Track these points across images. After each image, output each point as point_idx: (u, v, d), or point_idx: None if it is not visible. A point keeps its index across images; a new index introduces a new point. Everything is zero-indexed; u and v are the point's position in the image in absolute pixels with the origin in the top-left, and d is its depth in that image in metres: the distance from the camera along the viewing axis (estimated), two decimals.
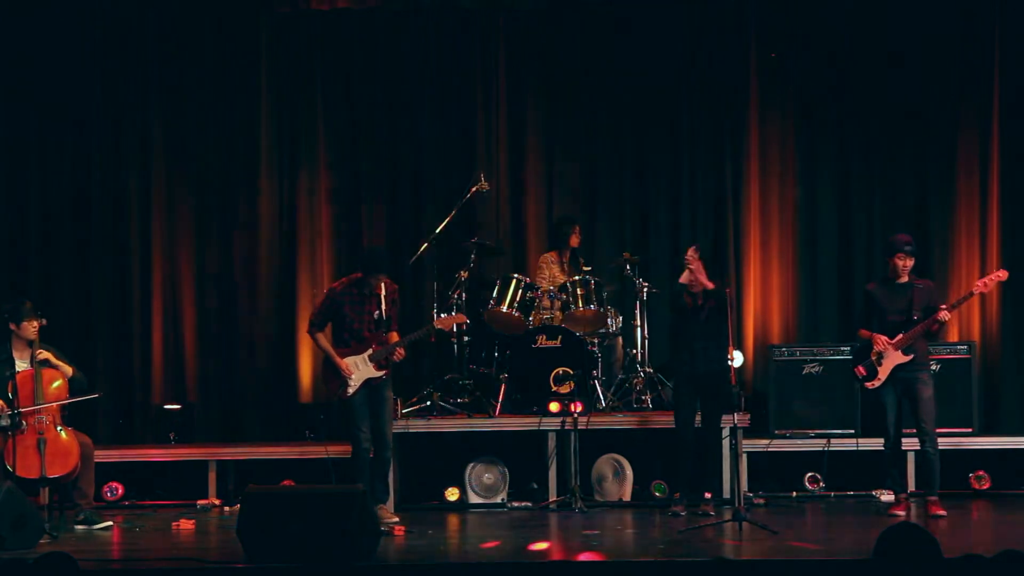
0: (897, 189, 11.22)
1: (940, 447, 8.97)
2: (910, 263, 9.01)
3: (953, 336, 10.67)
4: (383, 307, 8.97)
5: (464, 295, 10.35)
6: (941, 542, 5.20)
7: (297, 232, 11.34)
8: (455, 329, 10.23)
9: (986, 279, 9.11)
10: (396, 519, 8.90)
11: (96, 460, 9.24)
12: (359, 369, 8.95)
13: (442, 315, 9.82)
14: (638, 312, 10.49)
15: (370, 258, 9.12)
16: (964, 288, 10.67)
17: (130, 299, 11.24)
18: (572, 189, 11.44)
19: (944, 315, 8.85)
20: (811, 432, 10.24)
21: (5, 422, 8.62)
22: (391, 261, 11.02)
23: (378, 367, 8.98)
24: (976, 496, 9.98)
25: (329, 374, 9.06)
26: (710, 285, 8.96)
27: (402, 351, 9.04)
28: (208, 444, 10.78)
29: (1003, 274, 9.08)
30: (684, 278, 9.05)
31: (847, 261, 11.21)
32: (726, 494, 9.54)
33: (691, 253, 9.06)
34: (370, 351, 8.96)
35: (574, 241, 10.74)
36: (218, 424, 11.24)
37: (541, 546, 7.84)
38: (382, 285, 9.00)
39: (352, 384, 8.94)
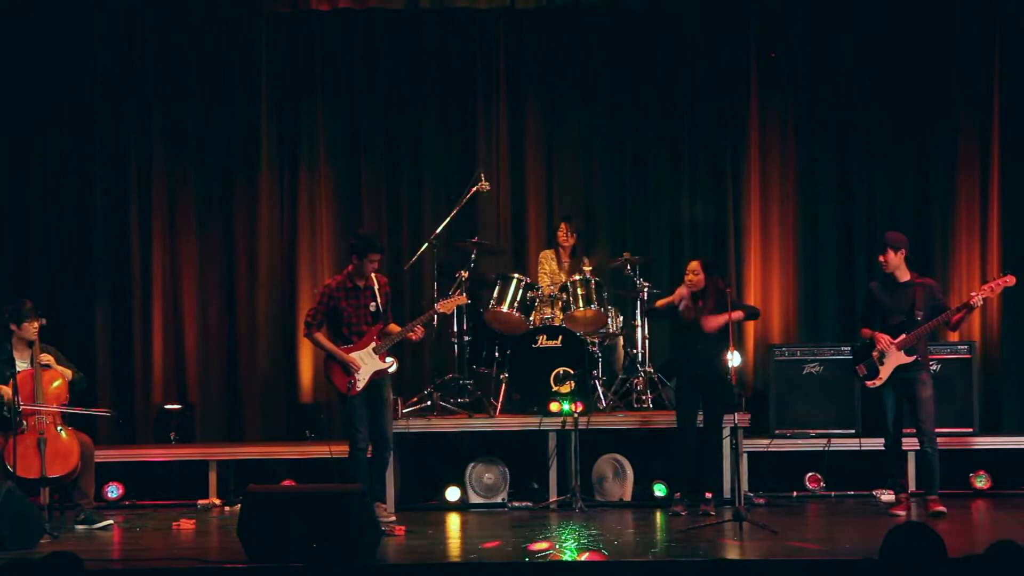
0: (897, 189, 11.22)
1: (940, 447, 8.95)
2: (883, 259, 8.89)
3: (953, 336, 10.65)
4: (378, 300, 8.97)
5: (464, 295, 10.34)
6: None
7: (297, 231, 11.35)
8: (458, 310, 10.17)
9: (992, 284, 8.83)
10: (394, 518, 8.90)
11: (96, 460, 9.24)
12: (365, 363, 8.92)
13: (443, 299, 9.70)
14: (639, 312, 10.49)
15: (364, 240, 8.96)
16: (963, 288, 10.68)
17: (131, 299, 11.24)
18: (572, 189, 11.45)
19: (976, 299, 8.74)
20: (811, 432, 10.24)
21: (6, 412, 8.62)
22: (390, 259, 11.07)
23: (383, 359, 8.98)
24: (976, 496, 9.97)
25: (335, 372, 8.98)
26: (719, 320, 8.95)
27: (420, 329, 9.06)
28: (208, 444, 10.79)
29: (1010, 279, 8.81)
30: (680, 298, 9.16)
31: (847, 261, 11.21)
32: (727, 494, 9.53)
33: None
34: (373, 344, 8.94)
35: (561, 238, 10.73)
36: (218, 424, 11.24)
37: (541, 546, 7.83)
38: (375, 278, 9.00)
39: (361, 379, 8.91)
